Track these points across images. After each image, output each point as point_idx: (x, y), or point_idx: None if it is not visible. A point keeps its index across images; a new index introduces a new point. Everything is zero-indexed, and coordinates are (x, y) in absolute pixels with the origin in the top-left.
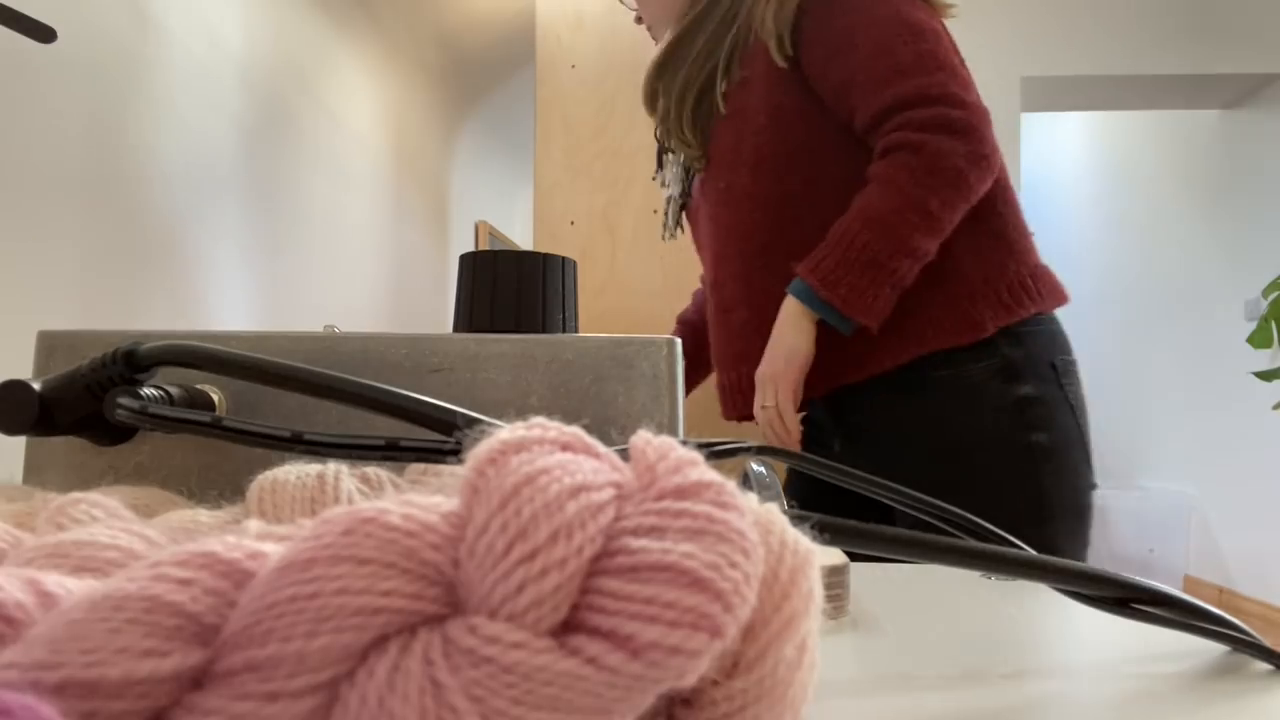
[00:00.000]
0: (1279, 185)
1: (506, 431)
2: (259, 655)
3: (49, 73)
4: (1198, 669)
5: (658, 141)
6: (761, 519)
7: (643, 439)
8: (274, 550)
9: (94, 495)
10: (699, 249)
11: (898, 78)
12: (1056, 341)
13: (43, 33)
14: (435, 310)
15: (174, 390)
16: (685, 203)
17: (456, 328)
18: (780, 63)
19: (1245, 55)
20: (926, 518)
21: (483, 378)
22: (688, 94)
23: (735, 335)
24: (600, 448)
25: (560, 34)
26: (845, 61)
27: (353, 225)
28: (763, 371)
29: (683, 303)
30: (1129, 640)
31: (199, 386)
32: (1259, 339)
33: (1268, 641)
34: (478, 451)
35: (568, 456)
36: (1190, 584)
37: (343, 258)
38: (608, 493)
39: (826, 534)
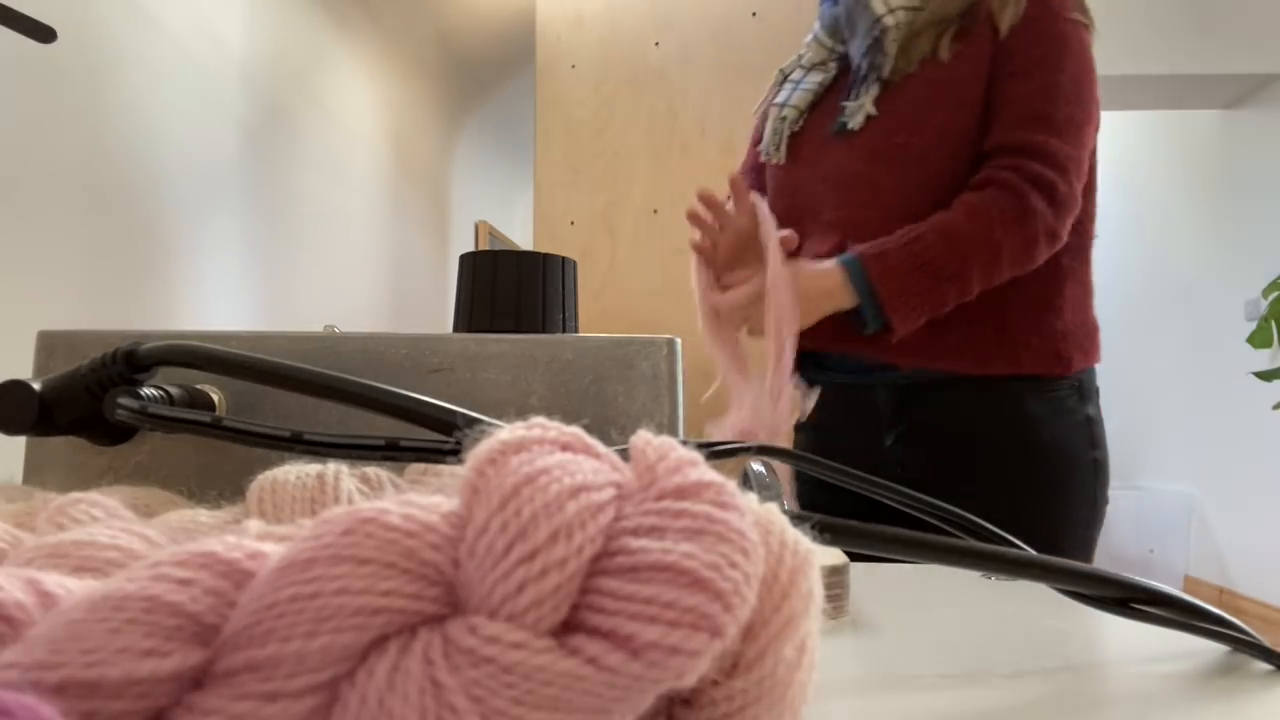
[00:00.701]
0: (1279, 185)
1: (506, 431)
2: (259, 655)
3: (49, 73)
4: (1198, 669)
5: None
6: (761, 519)
7: (643, 439)
8: (274, 550)
9: (94, 495)
10: (786, 174)
11: (1043, 127)
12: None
13: (43, 33)
14: (435, 310)
15: (174, 390)
16: (798, 129)
17: (456, 328)
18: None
19: (1245, 55)
20: (927, 518)
21: (483, 378)
22: (948, 22)
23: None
24: (600, 448)
25: (560, 34)
26: (1018, 85)
27: (353, 225)
28: (792, 301)
29: (683, 303)
30: (1129, 640)
31: (199, 386)
32: (1259, 339)
33: (1268, 641)
34: (478, 451)
35: (568, 456)
36: (1190, 584)
37: (342, 258)
38: (608, 493)
39: (827, 534)
